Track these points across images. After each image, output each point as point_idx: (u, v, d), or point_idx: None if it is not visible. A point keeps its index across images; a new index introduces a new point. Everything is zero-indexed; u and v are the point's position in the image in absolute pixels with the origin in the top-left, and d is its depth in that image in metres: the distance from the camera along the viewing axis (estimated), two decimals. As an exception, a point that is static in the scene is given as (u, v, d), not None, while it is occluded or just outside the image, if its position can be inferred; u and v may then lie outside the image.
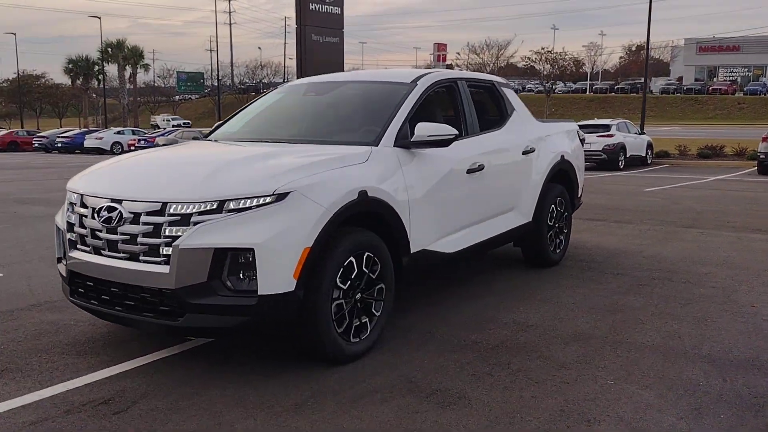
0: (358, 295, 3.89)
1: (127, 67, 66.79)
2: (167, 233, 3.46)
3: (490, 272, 6.15)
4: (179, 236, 3.42)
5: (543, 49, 62.85)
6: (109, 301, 3.74)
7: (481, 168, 5.04)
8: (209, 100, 76.83)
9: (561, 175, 6.43)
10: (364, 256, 3.90)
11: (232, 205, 3.45)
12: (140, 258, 3.55)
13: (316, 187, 3.61)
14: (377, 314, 4.05)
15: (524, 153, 5.75)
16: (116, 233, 3.61)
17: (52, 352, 4.06)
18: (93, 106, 75.35)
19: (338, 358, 3.80)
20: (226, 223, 3.42)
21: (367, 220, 4.03)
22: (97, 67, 68.85)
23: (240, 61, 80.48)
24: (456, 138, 4.48)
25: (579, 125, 23.22)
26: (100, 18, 58.91)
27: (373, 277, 3.99)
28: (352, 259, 3.81)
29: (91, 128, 52.29)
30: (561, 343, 4.21)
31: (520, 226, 5.80)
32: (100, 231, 3.69)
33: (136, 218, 3.56)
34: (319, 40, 30.27)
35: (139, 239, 3.54)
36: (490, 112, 5.87)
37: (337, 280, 3.72)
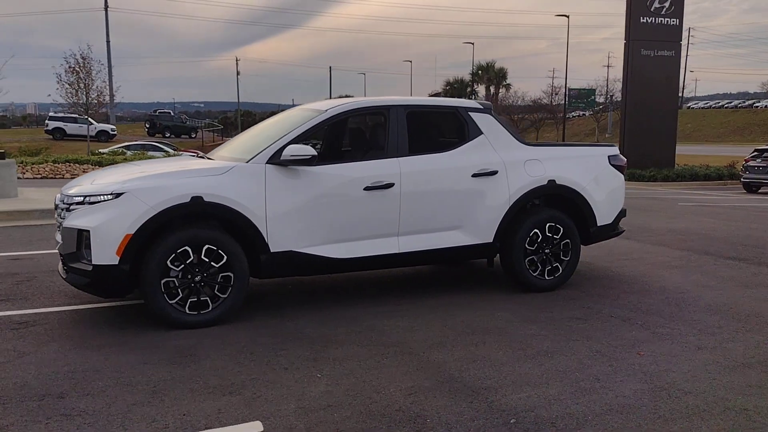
0: (198, 278, 4.99)
1: (491, 87, 71.77)
2: (63, 216, 5.11)
3: (488, 291, 6.29)
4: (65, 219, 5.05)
5: None
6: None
7: (388, 186, 5.53)
8: (591, 119, 74.52)
9: (551, 200, 6.27)
10: (204, 248, 4.98)
11: (90, 200, 4.94)
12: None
13: (146, 190, 4.87)
14: (222, 296, 5.08)
15: (476, 175, 5.90)
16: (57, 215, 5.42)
17: (52, 293, 6.05)
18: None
19: (172, 323, 4.96)
20: (83, 212, 4.92)
21: (213, 220, 5.09)
22: (469, 89, 75.51)
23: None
24: (318, 159, 5.24)
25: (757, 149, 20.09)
26: (473, 44, 65.51)
27: (216, 266, 5.03)
28: (187, 248, 4.94)
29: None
30: (357, 345, 4.65)
31: (474, 245, 5.96)
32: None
33: (59, 206, 5.30)
34: (649, 54, 28.57)
35: (58, 219, 5.26)
36: (441, 135, 6.14)
37: (168, 262, 4.90)
